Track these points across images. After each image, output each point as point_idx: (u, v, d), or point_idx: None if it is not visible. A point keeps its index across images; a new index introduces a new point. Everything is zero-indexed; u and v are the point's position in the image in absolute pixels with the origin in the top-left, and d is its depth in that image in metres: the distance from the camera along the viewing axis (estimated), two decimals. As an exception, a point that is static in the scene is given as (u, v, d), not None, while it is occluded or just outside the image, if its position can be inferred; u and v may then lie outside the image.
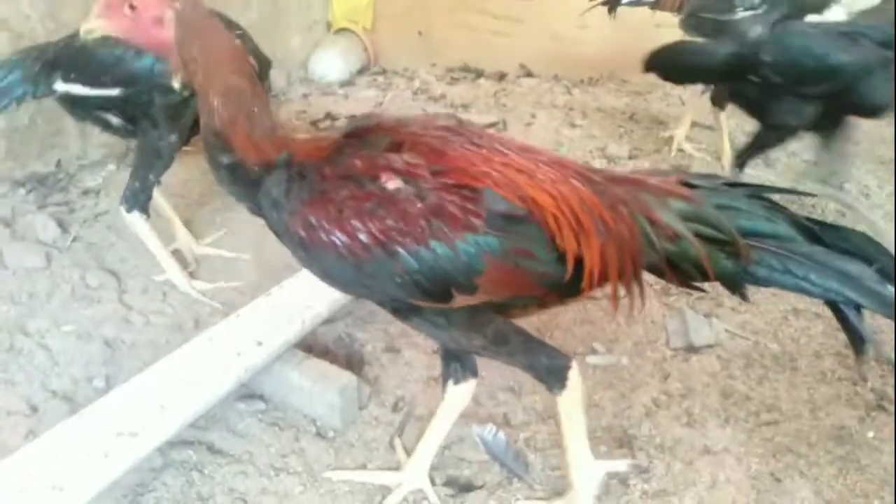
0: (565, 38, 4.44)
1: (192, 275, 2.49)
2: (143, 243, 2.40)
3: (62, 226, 2.72)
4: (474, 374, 1.62)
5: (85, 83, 2.13)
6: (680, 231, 1.32)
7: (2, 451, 1.59)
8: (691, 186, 1.37)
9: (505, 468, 1.74)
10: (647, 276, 1.42)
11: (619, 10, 3.58)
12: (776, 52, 2.47)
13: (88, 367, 2.08)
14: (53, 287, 2.42)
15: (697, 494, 1.69)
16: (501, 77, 4.56)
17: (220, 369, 1.74)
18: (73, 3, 2.96)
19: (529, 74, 4.58)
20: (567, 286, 1.37)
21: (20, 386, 2.01)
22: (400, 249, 1.28)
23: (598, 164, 3.37)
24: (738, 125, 3.58)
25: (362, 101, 4.21)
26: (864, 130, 3.20)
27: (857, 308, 1.30)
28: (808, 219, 1.34)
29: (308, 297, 1.99)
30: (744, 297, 1.39)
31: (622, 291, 1.39)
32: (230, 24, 2.00)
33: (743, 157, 2.79)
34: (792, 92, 2.48)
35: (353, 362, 2.09)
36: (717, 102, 3.19)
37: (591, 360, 2.12)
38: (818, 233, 1.32)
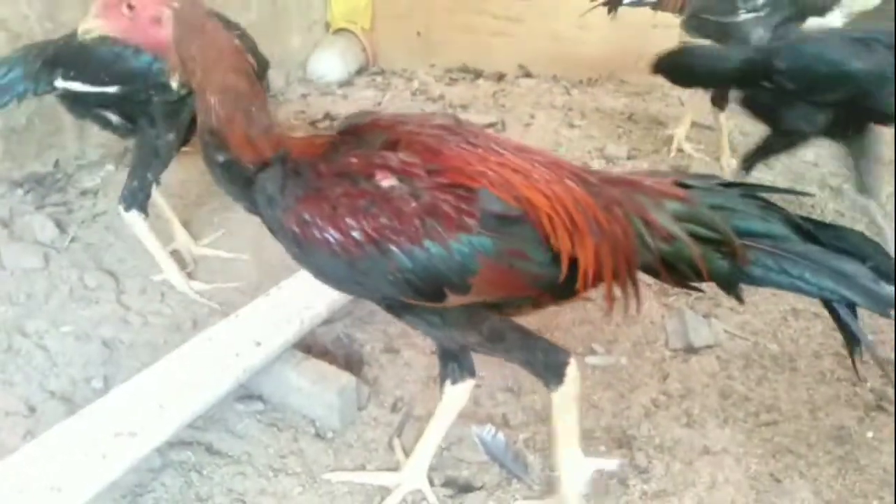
0: (564, 38, 4.44)
1: (190, 275, 2.48)
2: (141, 243, 2.40)
3: (60, 226, 2.72)
4: (472, 373, 1.62)
5: (84, 80, 2.13)
6: (674, 231, 1.32)
7: (0, 452, 1.58)
8: (686, 187, 1.37)
9: (504, 469, 1.74)
10: (646, 278, 1.42)
11: (620, 10, 3.56)
12: (790, 59, 2.43)
13: (87, 367, 2.08)
14: (51, 287, 2.42)
15: (697, 495, 1.69)
16: (500, 77, 4.56)
17: (219, 370, 1.74)
18: (71, 3, 2.96)
19: (528, 75, 4.58)
20: (561, 287, 1.36)
21: (18, 386, 2.00)
22: (393, 248, 1.28)
23: (597, 164, 3.38)
24: (736, 125, 3.58)
25: (361, 102, 4.21)
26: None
27: (852, 307, 1.30)
28: (803, 218, 1.34)
29: (307, 298, 1.99)
30: (738, 298, 1.40)
31: (617, 292, 1.39)
32: (229, 24, 1.99)
33: (750, 161, 2.75)
34: (805, 98, 2.43)
35: (351, 363, 2.09)
36: (717, 103, 3.18)
37: (591, 360, 2.12)
38: (813, 232, 1.32)
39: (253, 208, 1.41)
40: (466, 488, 1.70)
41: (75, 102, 2.30)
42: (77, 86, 2.14)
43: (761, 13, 3.09)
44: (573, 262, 1.33)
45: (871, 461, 1.79)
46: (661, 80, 4.31)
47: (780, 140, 2.66)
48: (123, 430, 1.53)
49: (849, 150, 2.58)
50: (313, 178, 1.31)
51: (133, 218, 2.32)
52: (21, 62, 2.12)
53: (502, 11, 4.53)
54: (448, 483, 1.72)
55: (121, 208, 2.32)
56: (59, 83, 2.13)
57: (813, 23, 3.28)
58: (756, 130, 3.69)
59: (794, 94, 2.44)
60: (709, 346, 2.17)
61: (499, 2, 4.52)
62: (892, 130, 2.60)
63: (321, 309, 2.00)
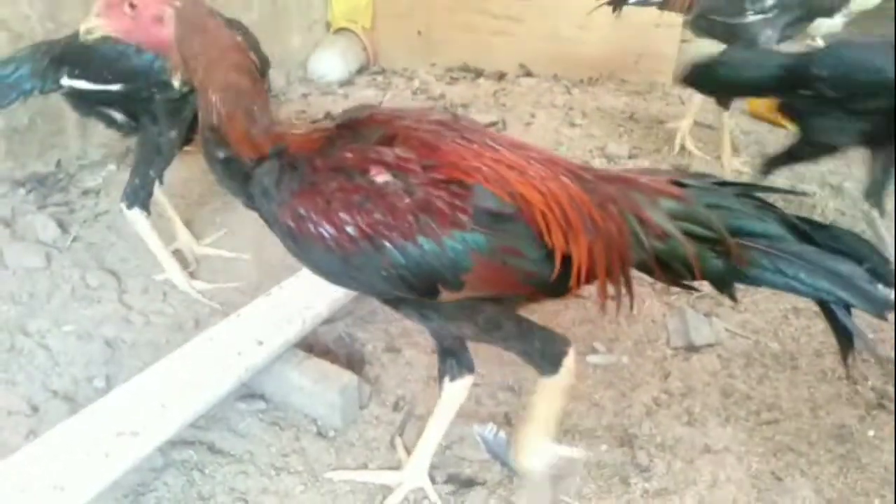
0: (565, 37, 4.44)
1: (192, 275, 2.49)
2: (143, 242, 2.40)
3: (62, 226, 2.72)
4: (470, 370, 1.61)
5: (88, 79, 2.14)
6: (669, 230, 1.32)
7: (3, 451, 1.59)
8: (682, 185, 1.37)
9: (506, 467, 1.74)
10: (648, 278, 1.42)
11: (624, 9, 3.52)
12: (831, 65, 2.31)
13: (89, 366, 2.08)
14: (54, 287, 2.42)
15: (698, 493, 1.70)
16: (501, 77, 4.56)
17: (221, 369, 1.74)
18: (73, 3, 2.96)
19: (529, 74, 4.58)
20: (554, 284, 1.36)
21: (21, 386, 2.01)
22: (387, 243, 1.28)
23: (598, 163, 3.38)
24: (738, 125, 3.58)
25: (362, 101, 4.21)
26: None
27: (847, 308, 1.29)
28: (799, 218, 1.33)
29: (308, 297, 1.99)
30: (732, 297, 1.39)
31: (611, 289, 1.38)
32: (231, 23, 2.00)
33: (771, 165, 2.65)
34: (844, 107, 2.31)
35: (353, 362, 2.09)
36: (722, 102, 3.14)
37: (592, 359, 2.12)
38: (809, 232, 1.31)
39: (251, 203, 1.41)
40: (468, 486, 1.71)
41: (80, 100, 2.31)
42: (82, 84, 2.15)
43: (769, 14, 3.06)
44: (567, 259, 1.33)
45: (872, 459, 1.79)
46: (661, 80, 4.39)
47: (808, 149, 2.55)
48: (126, 430, 1.53)
49: (875, 161, 2.46)
50: (309, 172, 1.32)
51: (135, 216, 2.33)
52: (29, 60, 2.13)
53: (503, 11, 4.53)
54: (450, 481, 1.72)
55: (123, 206, 2.33)
56: (65, 81, 2.14)
57: (820, 24, 3.26)
58: (757, 130, 3.72)
59: (834, 103, 2.31)
60: (710, 345, 2.17)
61: (499, 1, 4.52)
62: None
63: (322, 308, 2.01)
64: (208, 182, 2.97)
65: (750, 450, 1.82)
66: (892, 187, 2.46)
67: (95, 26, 1.36)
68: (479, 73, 4.62)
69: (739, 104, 3.62)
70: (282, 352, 1.88)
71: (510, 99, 4.22)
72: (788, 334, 2.25)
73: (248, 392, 1.95)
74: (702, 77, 2.73)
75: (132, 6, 1.32)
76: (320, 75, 4.48)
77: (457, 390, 1.62)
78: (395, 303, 1.45)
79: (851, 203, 3.02)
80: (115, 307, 2.34)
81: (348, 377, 1.87)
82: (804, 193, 2.95)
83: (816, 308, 1.35)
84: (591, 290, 1.43)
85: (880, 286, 1.26)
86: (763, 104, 3.69)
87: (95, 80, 2.14)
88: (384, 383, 2.03)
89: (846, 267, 1.27)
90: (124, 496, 1.67)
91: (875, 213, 2.47)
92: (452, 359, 1.60)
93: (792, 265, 1.28)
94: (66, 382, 2.03)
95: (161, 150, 2.30)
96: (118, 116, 2.29)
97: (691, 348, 2.16)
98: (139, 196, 2.31)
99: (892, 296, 1.26)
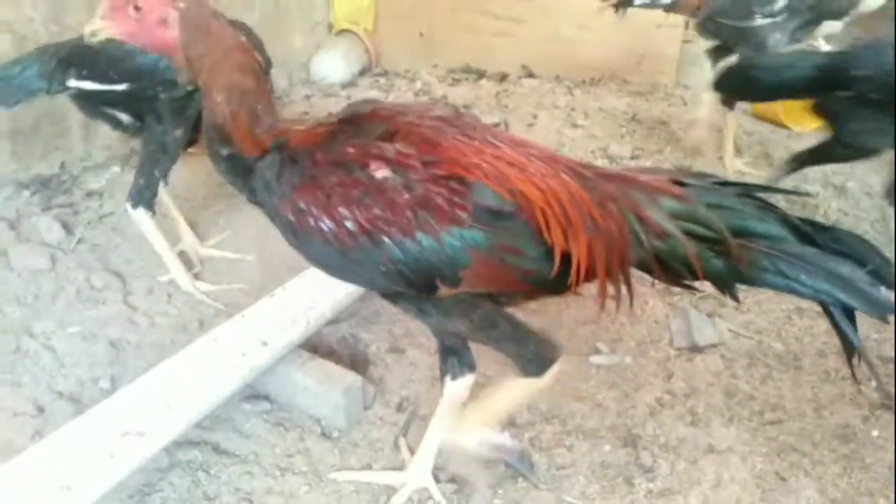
0: (567, 38, 4.44)
1: (196, 276, 2.49)
2: (147, 243, 2.41)
3: (67, 227, 2.73)
4: (472, 368, 1.61)
5: (94, 79, 2.15)
6: (669, 229, 1.32)
7: (9, 452, 1.59)
8: (683, 185, 1.37)
9: (509, 467, 1.74)
10: (650, 279, 1.42)
11: (630, 11, 3.51)
12: (873, 64, 2.22)
13: (94, 367, 2.09)
14: (58, 289, 2.43)
15: (702, 493, 1.70)
16: (503, 78, 4.57)
17: (225, 370, 1.75)
18: (76, 5, 2.97)
19: (531, 75, 4.58)
20: (553, 282, 1.36)
21: (26, 387, 2.01)
22: (385, 239, 1.28)
23: (600, 164, 3.37)
24: (740, 125, 3.58)
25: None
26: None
27: (849, 310, 1.29)
28: (801, 219, 1.33)
29: (312, 298, 2.00)
30: (734, 298, 1.39)
31: (610, 289, 1.38)
32: (234, 24, 2.01)
33: (798, 162, 2.59)
34: (883, 108, 2.22)
35: (357, 363, 2.10)
36: (727, 102, 3.11)
37: (595, 359, 2.12)
38: (811, 233, 1.31)
39: (254, 197, 1.42)
40: (472, 486, 1.71)
41: (86, 101, 2.32)
42: (88, 84, 2.16)
43: (778, 18, 3.05)
44: (566, 258, 1.33)
45: (876, 459, 1.79)
46: (663, 80, 4.39)
47: (842, 150, 2.47)
48: (131, 430, 1.54)
49: None
50: (310, 166, 1.32)
51: (140, 216, 2.33)
52: (36, 62, 2.15)
53: (505, 12, 4.53)
54: (453, 481, 1.72)
55: (128, 205, 2.33)
56: (72, 83, 2.15)
57: (827, 27, 3.25)
58: (760, 130, 3.72)
59: (874, 104, 2.23)
60: (713, 345, 2.17)
61: (501, 2, 4.52)
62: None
63: (326, 309, 2.01)
64: (212, 184, 2.98)
65: (754, 450, 1.82)
66: None
67: (100, 29, 1.37)
68: (481, 75, 4.62)
69: (742, 104, 3.61)
70: (286, 353, 1.89)
71: (512, 100, 4.22)
72: (792, 334, 2.25)
73: (253, 393, 1.95)
74: (733, 83, 2.68)
75: (137, 8, 1.32)
76: (322, 77, 4.49)
77: (458, 389, 1.62)
78: (393, 297, 1.46)
79: (854, 203, 3.02)
80: (119, 308, 2.35)
81: (352, 378, 1.88)
82: (807, 194, 2.95)
83: (819, 308, 1.35)
84: (590, 289, 1.43)
85: (882, 288, 1.25)
86: (766, 104, 3.69)
87: (101, 81, 2.16)
88: (388, 384, 2.04)
89: (847, 269, 1.27)
90: (130, 497, 1.67)
91: (891, 212, 2.43)
92: (454, 357, 1.60)
93: (793, 266, 1.28)
94: (72, 383, 2.04)
95: (166, 149, 2.31)
96: (123, 117, 2.30)
97: (694, 349, 2.16)
98: (144, 196, 2.32)
99: (894, 298, 1.25)
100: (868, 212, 2.96)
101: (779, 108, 3.68)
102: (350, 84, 4.51)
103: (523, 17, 4.50)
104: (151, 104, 2.23)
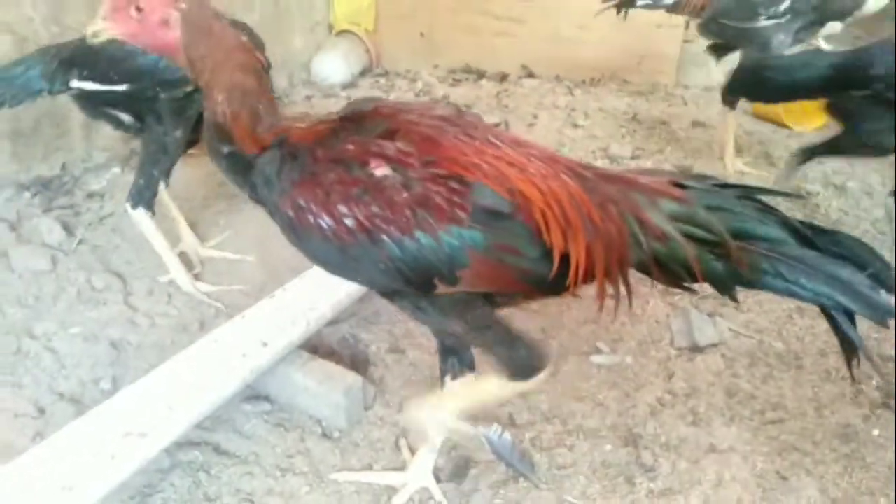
0: (567, 38, 4.45)
1: (196, 277, 2.50)
2: (147, 244, 2.41)
3: (67, 229, 2.73)
4: (471, 368, 1.61)
5: (95, 80, 2.16)
6: (668, 231, 1.31)
7: (10, 453, 1.59)
8: (683, 187, 1.37)
9: (510, 467, 1.74)
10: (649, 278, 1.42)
11: (631, 11, 3.51)
12: (890, 63, 2.21)
13: (95, 368, 2.09)
14: (59, 290, 2.43)
15: (703, 493, 1.70)
16: (503, 78, 4.57)
17: (226, 371, 1.75)
18: (77, 6, 2.97)
19: (531, 75, 4.59)
20: (552, 283, 1.36)
21: (27, 388, 2.02)
22: (384, 237, 1.28)
23: (601, 164, 3.37)
24: (739, 125, 3.58)
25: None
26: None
27: (849, 313, 1.29)
28: (801, 222, 1.32)
29: (312, 299, 2.00)
30: (733, 299, 1.39)
31: (609, 290, 1.38)
32: (235, 24, 2.01)
33: (809, 154, 2.56)
34: None
35: (357, 363, 2.10)
36: (728, 101, 3.10)
37: (596, 359, 2.12)
38: (811, 236, 1.30)
39: (255, 194, 1.42)
40: (473, 486, 1.71)
41: (87, 102, 2.33)
42: (89, 85, 2.16)
43: (782, 20, 3.04)
44: (565, 259, 1.33)
45: (876, 459, 1.79)
46: (664, 80, 4.39)
47: (854, 147, 2.46)
48: (132, 431, 1.54)
49: None
50: (310, 162, 1.32)
51: (140, 216, 2.34)
52: (39, 62, 2.16)
53: (505, 12, 4.54)
54: (454, 481, 1.72)
55: (128, 206, 2.33)
56: (74, 83, 2.16)
57: (828, 27, 3.24)
58: (760, 130, 3.72)
59: (890, 102, 2.22)
60: (714, 345, 2.17)
61: (501, 2, 4.53)
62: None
63: (326, 310, 2.01)
64: (212, 184, 2.99)
65: (755, 449, 1.82)
66: None
67: (102, 29, 1.37)
68: (481, 75, 4.62)
69: (742, 104, 3.61)
70: (286, 353, 1.89)
71: (513, 100, 4.22)
72: (793, 334, 2.25)
73: (253, 393, 1.95)
74: (747, 85, 2.66)
75: (138, 9, 1.32)
76: (323, 77, 4.49)
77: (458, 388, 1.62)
78: (391, 295, 1.46)
79: (854, 203, 3.02)
80: (120, 309, 2.35)
81: (353, 378, 1.88)
82: (806, 196, 2.95)
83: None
84: (589, 290, 1.42)
85: (882, 292, 1.25)
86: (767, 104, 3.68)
87: (102, 81, 2.16)
88: (388, 384, 2.04)
89: (847, 272, 1.26)
90: (131, 497, 1.68)
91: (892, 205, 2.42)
92: (454, 357, 1.60)
93: (793, 269, 1.28)
94: (73, 384, 2.04)
95: (166, 149, 2.32)
96: (124, 117, 2.31)
97: (695, 348, 2.16)
98: (144, 196, 2.32)
99: (893, 302, 1.25)
100: (868, 211, 2.96)
101: (779, 107, 3.68)
102: (350, 85, 4.51)
103: (523, 17, 4.51)
104: (152, 105, 2.23)
